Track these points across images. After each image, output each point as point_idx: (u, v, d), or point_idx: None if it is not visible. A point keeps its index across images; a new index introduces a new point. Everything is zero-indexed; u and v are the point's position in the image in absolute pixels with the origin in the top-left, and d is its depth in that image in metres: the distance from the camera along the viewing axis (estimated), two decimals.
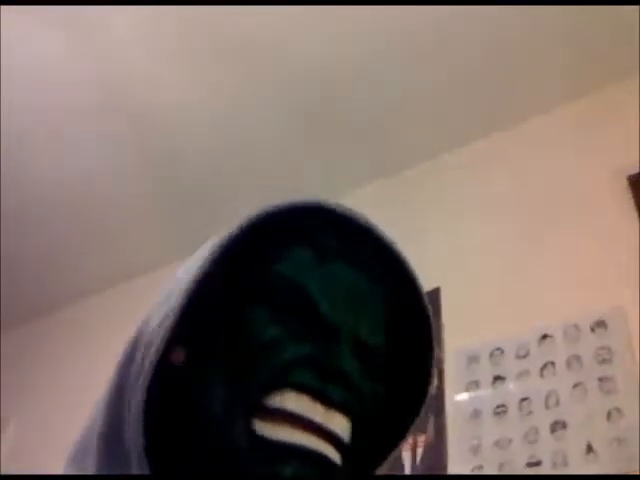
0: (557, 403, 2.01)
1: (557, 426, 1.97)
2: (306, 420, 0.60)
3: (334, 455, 0.62)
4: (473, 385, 2.18)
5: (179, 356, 0.64)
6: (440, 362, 2.28)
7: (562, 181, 2.34)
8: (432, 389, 0.75)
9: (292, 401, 0.61)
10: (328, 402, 0.62)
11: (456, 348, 2.25)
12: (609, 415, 1.91)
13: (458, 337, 2.27)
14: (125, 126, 2.64)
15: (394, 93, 2.52)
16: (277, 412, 0.60)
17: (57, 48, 2.39)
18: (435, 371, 0.74)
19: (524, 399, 2.06)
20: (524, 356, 2.13)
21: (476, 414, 2.13)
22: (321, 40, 2.38)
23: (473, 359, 2.21)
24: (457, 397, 2.20)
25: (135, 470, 0.59)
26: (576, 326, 2.07)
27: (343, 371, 0.63)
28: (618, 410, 1.90)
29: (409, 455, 2.19)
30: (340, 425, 0.62)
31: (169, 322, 0.62)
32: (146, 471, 0.59)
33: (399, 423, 0.73)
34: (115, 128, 2.65)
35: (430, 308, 0.74)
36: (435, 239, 2.52)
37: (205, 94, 2.56)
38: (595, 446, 1.89)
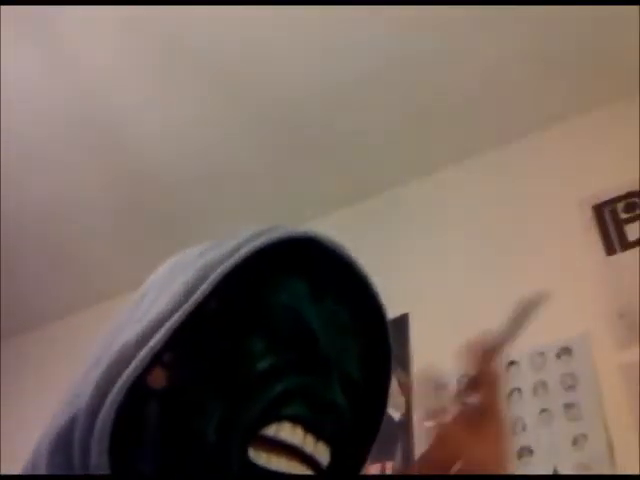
0: (524, 429, 2.02)
1: (524, 452, 1.99)
2: (299, 450, 0.62)
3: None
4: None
5: (159, 378, 0.63)
6: (407, 389, 2.29)
7: (528, 209, 2.37)
8: (384, 418, 0.80)
9: (287, 432, 0.62)
10: (319, 433, 0.64)
11: (424, 375, 2.26)
12: (575, 441, 1.93)
13: (426, 363, 2.27)
14: (93, 151, 2.63)
15: (363, 123, 2.54)
16: (272, 442, 0.61)
17: (27, 67, 2.38)
18: (388, 405, 0.80)
19: None
20: None
21: None
22: (293, 69, 2.39)
23: (441, 386, 2.22)
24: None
25: None
26: (542, 353, 2.09)
27: (335, 404, 0.65)
28: (584, 436, 1.92)
29: None
30: (324, 455, 0.65)
31: (154, 342, 0.61)
32: None
33: (359, 446, 0.76)
34: (84, 153, 2.64)
35: (393, 349, 0.78)
36: (403, 266, 2.53)
37: (176, 122, 2.56)
38: (561, 471, 1.90)
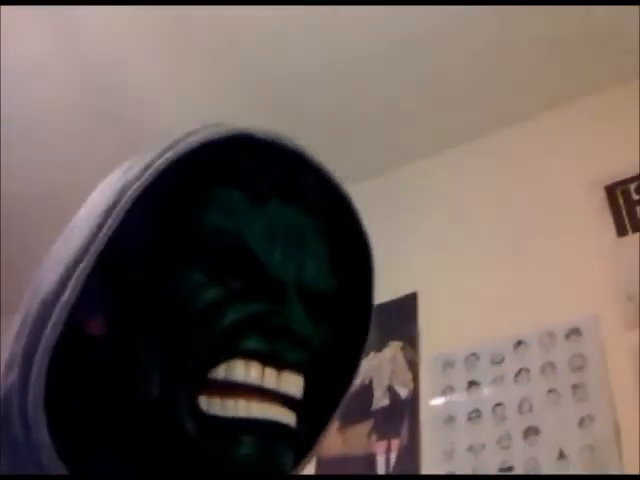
0: (530, 409, 2.02)
1: (530, 432, 1.99)
2: (258, 388, 0.54)
3: (289, 418, 0.56)
4: (448, 390, 2.19)
5: (98, 326, 0.57)
6: (415, 366, 2.29)
7: (541, 190, 2.36)
8: (372, 332, 0.68)
9: (241, 370, 0.54)
10: (280, 364, 0.55)
11: (432, 353, 2.27)
12: (581, 422, 1.93)
13: (434, 342, 2.28)
14: (105, 120, 2.63)
15: (376, 97, 2.53)
16: (225, 385, 0.54)
17: (37, 43, 2.37)
18: (374, 313, 0.68)
19: (498, 404, 2.08)
20: (499, 362, 2.14)
21: (450, 419, 2.14)
22: (305, 45, 2.38)
23: (448, 364, 2.22)
24: (432, 402, 2.21)
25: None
26: (551, 333, 2.09)
27: (294, 328, 0.56)
28: (590, 417, 1.92)
29: (383, 459, 2.20)
30: (294, 385, 0.56)
31: (67, 294, 0.52)
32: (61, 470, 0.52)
33: (345, 369, 0.68)
34: (96, 121, 2.63)
35: (371, 240, 0.67)
36: (413, 244, 2.53)
37: (189, 94, 2.55)
38: (567, 452, 1.91)
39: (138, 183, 0.55)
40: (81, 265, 0.53)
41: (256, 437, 0.54)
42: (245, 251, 0.57)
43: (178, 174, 0.57)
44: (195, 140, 0.57)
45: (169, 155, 0.56)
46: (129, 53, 2.43)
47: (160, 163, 0.55)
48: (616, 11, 2.20)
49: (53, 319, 0.52)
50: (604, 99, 2.39)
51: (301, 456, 0.64)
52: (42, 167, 2.80)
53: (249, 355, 0.54)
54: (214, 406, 0.53)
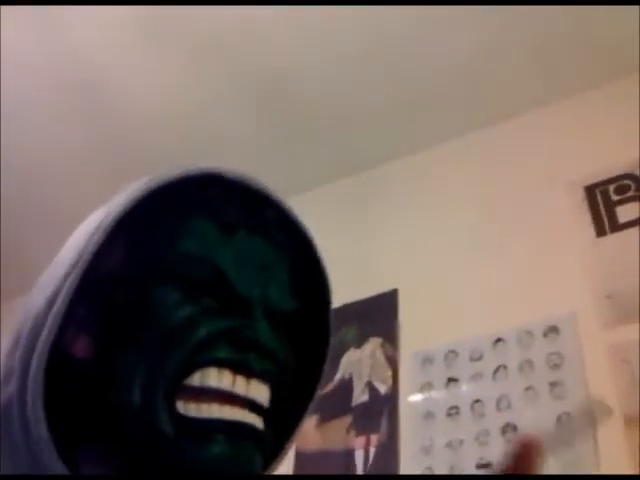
0: (508, 406, 2.04)
1: (508, 429, 2.01)
2: (229, 394, 0.61)
3: (258, 422, 0.63)
4: (427, 386, 2.21)
5: (84, 347, 0.63)
6: (395, 362, 2.31)
7: (521, 189, 2.38)
8: (330, 351, 0.75)
9: (214, 377, 0.61)
10: (249, 373, 0.62)
11: (411, 349, 2.28)
12: (559, 419, 1.95)
13: (414, 338, 2.29)
14: (80, 114, 2.62)
15: (359, 95, 2.54)
16: (200, 390, 0.60)
17: (13, 31, 2.36)
18: (333, 333, 0.75)
19: (476, 401, 2.10)
20: (478, 359, 2.16)
21: (429, 415, 2.15)
22: (289, 40, 2.38)
23: (428, 360, 2.24)
24: (411, 398, 2.23)
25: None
26: (529, 331, 2.11)
27: (261, 341, 0.63)
28: (567, 414, 1.94)
29: (362, 454, 2.21)
30: (261, 393, 0.63)
31: (57, 306, 0.60)
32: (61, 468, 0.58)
33: (308, 384, 0.75)
34: (70, 116, 2.62)
35: (327, 268, 0.74)
36: (393, 241, 2.54)
37: (171, 90, 2.55)
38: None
39: (119, 209, 0.62)
40: (68, 281, 0.60)
41: (227, 436, 0.60)
42: (217, 273, 0.64)
43: (157, 204, 0.65)
44: (172, 175, 0.65)
45: (148, 186, 0.64)
46: (111, 49, 2.42)
47: (140, 193, 0.63)
48: (596, 15, 2.22)
49: (46, 330, 0.59)
50: (584, 100, 2.41)
51: (270, 460, 0.70)
52: (25, 159, 2.79)
53: (221, 364, 0.61)
54: (190, 409, 0.60)
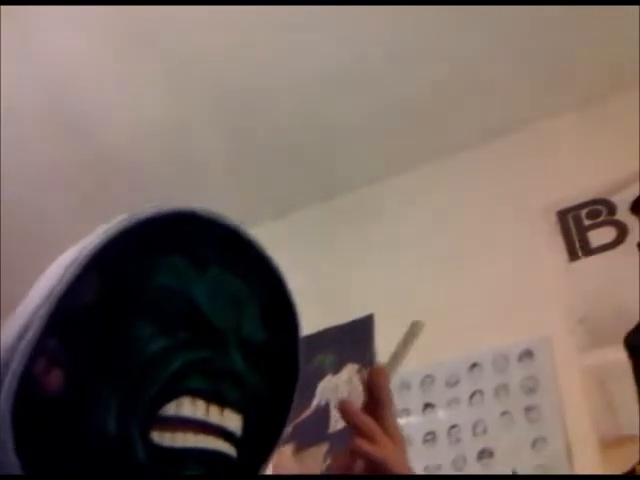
0: (484, 431, 2.04)
1: (484, 454, 2.01)
2: (203, 423, 0.62)
3: (231, 450, 0.64)
4: (404, 412, 2.20)
5: (56, 380, 0.63)
6: None
7: (494, 213, 2.39)
8: (300, 381, 0.77)
9: (187, 407, 0.62)
10: (222, 402, 0.64)
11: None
12: (534, 443, 1.95)
13: None
14: (57, 133, 2.60)
15: (334, 118, 2.54)
16: (174, 420, 0.61)
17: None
18: (303, 363, 0.77)
19: (453, 427, 2.10)
20: (454, 384, 2.16)
21: (406, 441, 2.14)
22: (262, 61, 2.38)
23: (404, 386, 2.24)
24: None
25: None
26: (504, 355, 2.12)
27: (234, 371, 0.65)
28: (543, 438, 1.95)
29: None
30: (234, 422, 0.65)
31: (32, 332, 0.60)
32: None
33: (279, 414, 0.76)
34: (48, 135, 2.60)
35: (295, 303, 0.76)
36: (368, 267, 2.54)
37: (150, 108, 2.54)
38: (520, 473, 1.93)
39: (93, 244, 0.63)
40: (39, 313, 0.61)
41: (201, 464, 0.62)
42: (192, 306, 0.65)
43: (131, 242, 0.66)
44: (145, 213, 0.66)
45: (121, 224, 0.65)
46: (92, 67, 2.42)
47: (114, 230, 0.64)
48: (572, 38, 2.26)
49: (15, 363, 0.59)
50: (557, 125, 2.43)
51: None
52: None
53: (195, 394, 0.63)
54: (165, 439, 0.61)
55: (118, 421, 0.60)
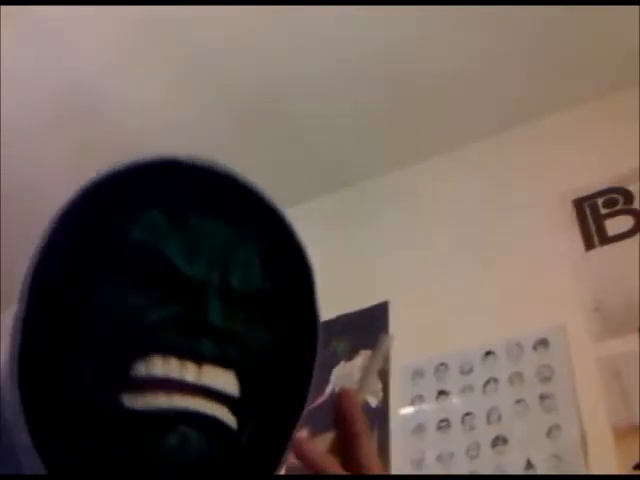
0: (499, 419, 2.04)
1: (498, 441, 2.01)
2: (178, 382, 0.57)
3: (219, 411, 0.59)
4: (417, 399, 2.21)
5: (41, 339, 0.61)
6: (385, 375, 2.30)
7: (510, 202, 2.39)
8: (321, 336, 0.70)
9: (159, 365, 0.57)
10: (199, 358, 0.58)
11: (402, 362, 2.28)
12: (549, 431, 1.95)
13: (404, 351, 2.29)
14: (68, 124, 2.62)
15: (348, 107, 2.54)
16: (145, 381, 0.57)
17: (6, 47, 2.36)
18: (320, 315, 0.70)
19: (467, 414, 2.10)
20: (468, 372, 2.16)
21: (420, 428, 2.15)
22: (273, 53, 2.38)
23: (418, 373, 2.24)
24: (402, 411, 2.22)
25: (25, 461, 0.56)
26: (519, 344, 2.11)
27: (210, 324, 0.59)
28: (557, 427, 1.95)
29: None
30: (219, 379, 0.59)
31: (20, 305, 0.59)
32: (35, 460, 0.56)
33: (302, 373, 0.69)
34: (59, 125, 2.62)
35: (305, 247, 0.70)
36: (384, 254, 2.55)
37: (159, 102, 2.55)
38: (534, 462, 1.93)
39: (65, 203, 0.61)
40: (25, 280, 0.59)
41: (178, 427, 0.56)
42: (163, 260, 0.61)
43: (108, 197, 0.62)
44: (121, 165, 0.62)
45: (95, 178, 0.61)
46: (99, 60, 2.42)
47: (87, 185, 0.61)
48: (593, 29, 2.24)
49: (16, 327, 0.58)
50: (573, 115, 2.42)
51: (267, 465, 0.66)
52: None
53: (167, 350, 0.58)
54: (137, 402, 0.57)
55: (88, 387, 0.58)
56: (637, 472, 1.78)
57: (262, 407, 0.63)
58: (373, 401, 2.28)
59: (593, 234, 2.20)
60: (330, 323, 2.34)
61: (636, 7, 2.12)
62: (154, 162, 0.64)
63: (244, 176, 0.67)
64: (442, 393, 2.18)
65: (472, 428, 2.07)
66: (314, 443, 0.63)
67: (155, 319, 0.59)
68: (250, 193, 0.67)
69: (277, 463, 0.66)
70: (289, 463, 0.65)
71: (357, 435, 0.63)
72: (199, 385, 0.58)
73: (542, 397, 2.01)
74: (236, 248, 0.65)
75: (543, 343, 2.09)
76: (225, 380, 0.59)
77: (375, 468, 0.61)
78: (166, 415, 0.56)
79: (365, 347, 2.38)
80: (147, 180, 0.64)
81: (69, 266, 0.62)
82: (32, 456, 0.56)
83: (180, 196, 0.64)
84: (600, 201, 2.24)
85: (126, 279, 0.60)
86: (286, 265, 0.68)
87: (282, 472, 0.66)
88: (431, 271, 2.41)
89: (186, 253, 0.62)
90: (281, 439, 0.66)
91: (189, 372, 0.57)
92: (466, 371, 2.16)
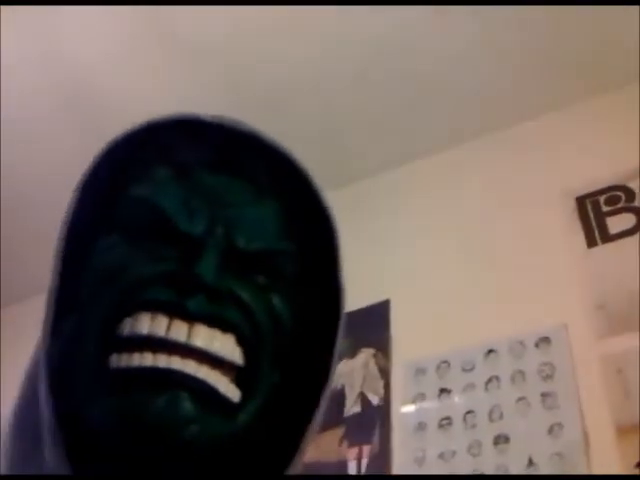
0: (501, 417, 2.04)
1: (500, 439, 2.01)
2: (164, 341, 0.54)
3: (210, 375, 0.55)
4: (419, 397, 2.20)
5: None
6: (387, 373, 2.30)
7: (511, 200, 2.39)
8: (344, 310, 0.65)
9: (146, 322, 0.54)
10: (191, 317, 0.54)
11: (403, 360, 2.28)
12: (551, 430, 1.95)
13: (406, 349, 2.29)
14: (69, 115, 2.62)
15: (352, 105, 2.54)
16: (131, 339, 0.54)
17: (8, 48, 2.36)
18: (345, 287, 0.65)
19: (469, 412, 2.09)
20: (470, 370, 2.16)
21: (421, 426, 2.15)
22: (275, 50, 2.38)
23: (420, 371, 2.24)
24: (403, 409, 2.22)
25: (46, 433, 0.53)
26: (521, 342, 2.11)
27: (203, 282, 0.55)
28: (559, 425, 1.94)
29: (354, 465, 2.20)
30: (213, 341, 0.55)
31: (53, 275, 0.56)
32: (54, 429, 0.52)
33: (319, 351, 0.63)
34: (60, 119, 2.62)
35: (332, 211, 0.66)
36: (386, 252, 2.54)
37: (169, 95, 2.54)
38: (536, 460, 1.93)
39: (86, 169, 0.59)
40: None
41: (166, 389, 0.53)
42: (158, 214, 0.58)
43: (122, 157, 0.61)
44: (138, 125, 0.61)
45: (112, 139, 0.60)
46: (109, 53, 2.43)
47: (104, 148, 0.60)
48: (588, 28, 2.24)
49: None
50: (574, 112, 2.42)
51: (284, 457, 0.60)
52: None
53: (155, 307, 0.54)
54: (122, 360, 0.54)
55: (74, 343, 0.55)
56: (639, 471, 1.77)
57: (272, 387, 0.59)
58: (375, 399, 2.28)
59: (595, 232, 2.19)
60: None
61: (636, 7, 2.13)
62: (172, 120, 0.62)
63: (271, 137, 0.64)
64: (444, 391, 2.17)
65: (474, 426, 2.06)
66: None
67: (147, 274, 0.56)
68: (276, 154, 0.64)
69: (289, 459, 0.60)
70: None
71: None
72: (190, 346, 0.54)
73: (544, 395, 2.01)
74: (249, 206, 0.61)
75: (545, 341, 2.08)
76: (222, 343, 0.55)
77: None
78: (152, 375, 0.53)
79: (367, 345, 2.38)
80: (162, 138, 0.62)
81: (83, 229, 0.59)
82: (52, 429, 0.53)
83: (193, 153, 0.62)
84: (602, 199, 2.23)
85: (123, 235, 0.58)
86: (309, 229, 0.64)
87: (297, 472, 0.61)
88: (432, 269, 2.41)
89: (182, 206, 0.59)
90: (295, 430, 0.60)
91: (177, 331, 0.54)
92: (468, 369, 2.16)
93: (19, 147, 2.70)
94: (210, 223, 0.59)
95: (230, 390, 0.56)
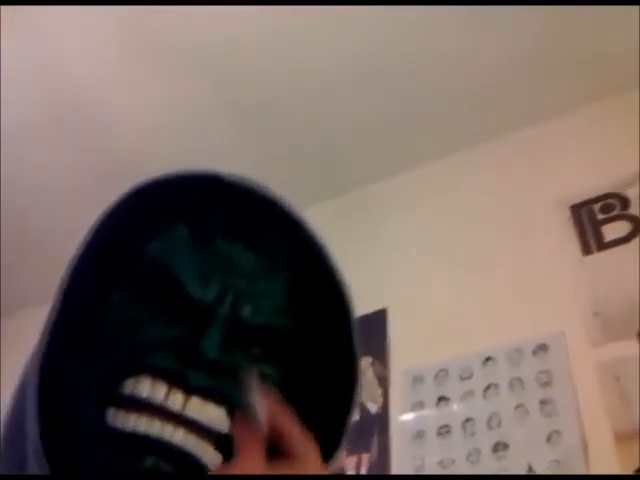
0: (499, 424, 2.04)
1: (499, 447, 2.01)
2: (161, 408, 0.55)
3: (198, 447, 0.56)
4: (418, 405, 2.21)
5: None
6: (385, 382, 2.31)
7: (507, 208, 2.40)
8: (359, 384, 0.66)
9: (146, 386, 0.55)
10: (187, 388, 0.55)
11: (401, 368, 2.28)
12: (549, 437, 1.95)
13: (404, 358, 2.30)
14: (62, 128, 2.62)
15: (348, 113, 2.55)
16: (130, 400, 0.55)
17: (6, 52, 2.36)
18: (359, 359, 0.66)
19: (467, 420, 2.10)
20: (468, 377, 2.17)
21: (420, 434, 2.15)
22: (273, 55, 2.39)
23: (418, 379, 2.24)
24: (402, 417, 2.23)
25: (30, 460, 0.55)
26: (519, 349, 2.12)
27: (205, 354, 0.56)
28: (558, 432, 1.95)
29: (353, 474, 2.20)
30: (206, 413, 0.56)
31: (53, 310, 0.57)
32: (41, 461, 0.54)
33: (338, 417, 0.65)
34: (52, 130, 2.61)
35: (346, 284, 0.67)
36: (384, 261, 2.55)
37: (158, 107, 2.55)
38: (535, 467, 1.93)
39: (102, 214, 0.59)
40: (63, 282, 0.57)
41: (151, 454, 0.54)
42: (171, 279, 0.58)
43: (139, 210, 0.60)
44: (159, 177, 0.60)
45: (131, 189, 0.59)
46: (104, 67, 2.43)
47: (122, 197, 0.59)
48: (587, 33, 2.25)
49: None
50: (570, 120, 2.43)
51: None
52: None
53: (157, 373, 0.55)
54: (118, 418, 0.55)
55: (75, 389, 0.56)
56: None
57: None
58: (373, 407, 2.29)
59: (590, 239, 2.21)
60: None
61: (636, 7, 2.13)
62: (193, 176, 0.61)
63: (287, 202, 0.64)
64: (442, 399, 2.18)
65: (472, 434, 2.07)
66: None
67: (155, 337, 0.57)
68: (290, 221, 0.64)
69: None
70: None
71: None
72: (183, 416, 0.55)
73: (542, 402, 2.01)
74: (261, 279, 0.61)
75: (543, 348, 2.09)
76: (212, 415, 0.56)
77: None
78: (142, 440, 0.54)
79: (365, 354, 2.38)
80: (182, 195, 0.61)
81: (94, 278, 0.60)
82: (37, 450, 0.54)
83: (212, 215, 0.62)
84: (597, 207, 2.25)
85: (134, 292, 0.59)
86: (319, 299, 0.65)
87: None
88: (429, 277, 2.42)
89: (196, 273, 0.59)
90: None
91: (175, 400, 0.55)
92: (466, 377, 2.17)
93: (16, 158, 2.70)
94: (221, 292, 0.59)
95: (212, 456, 0.57)
